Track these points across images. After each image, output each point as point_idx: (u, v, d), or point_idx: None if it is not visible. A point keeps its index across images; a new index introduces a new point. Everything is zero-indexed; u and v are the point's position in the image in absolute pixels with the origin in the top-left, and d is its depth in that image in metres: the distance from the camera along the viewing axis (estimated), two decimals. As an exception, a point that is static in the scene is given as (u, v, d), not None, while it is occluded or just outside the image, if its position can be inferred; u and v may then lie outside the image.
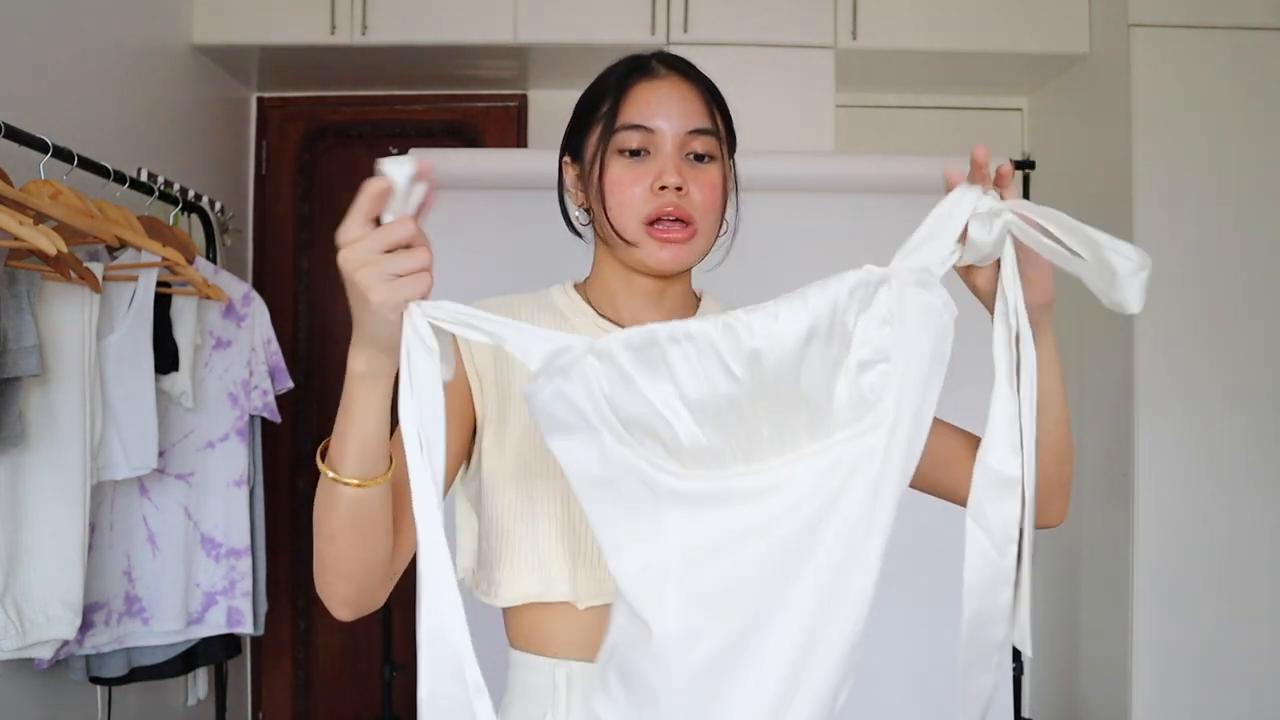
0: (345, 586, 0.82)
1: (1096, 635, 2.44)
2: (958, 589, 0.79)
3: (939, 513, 1.00)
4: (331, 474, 0.75)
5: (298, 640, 2.87)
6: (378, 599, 0.85)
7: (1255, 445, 2.28)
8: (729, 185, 0.96)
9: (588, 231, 0.98)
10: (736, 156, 1.01)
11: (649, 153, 0.91)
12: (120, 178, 1.88)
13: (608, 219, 0.91)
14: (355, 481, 0.75)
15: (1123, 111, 2.33)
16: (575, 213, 0.99)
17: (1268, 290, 2.29)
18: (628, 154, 0.91)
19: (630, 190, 0.90)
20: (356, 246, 0.67)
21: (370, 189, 0.67)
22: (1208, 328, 2.29)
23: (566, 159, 0.99)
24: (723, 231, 0.98)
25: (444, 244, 2.41)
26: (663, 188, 0.88)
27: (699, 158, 0.91)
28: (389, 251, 0.67)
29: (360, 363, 0.72)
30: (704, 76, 0.96)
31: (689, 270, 0.98)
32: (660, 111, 0.90)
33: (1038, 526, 0.87)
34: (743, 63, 2.48)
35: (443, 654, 0.72)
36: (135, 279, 1.80)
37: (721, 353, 0.68)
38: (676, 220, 0.89)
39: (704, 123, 0.91)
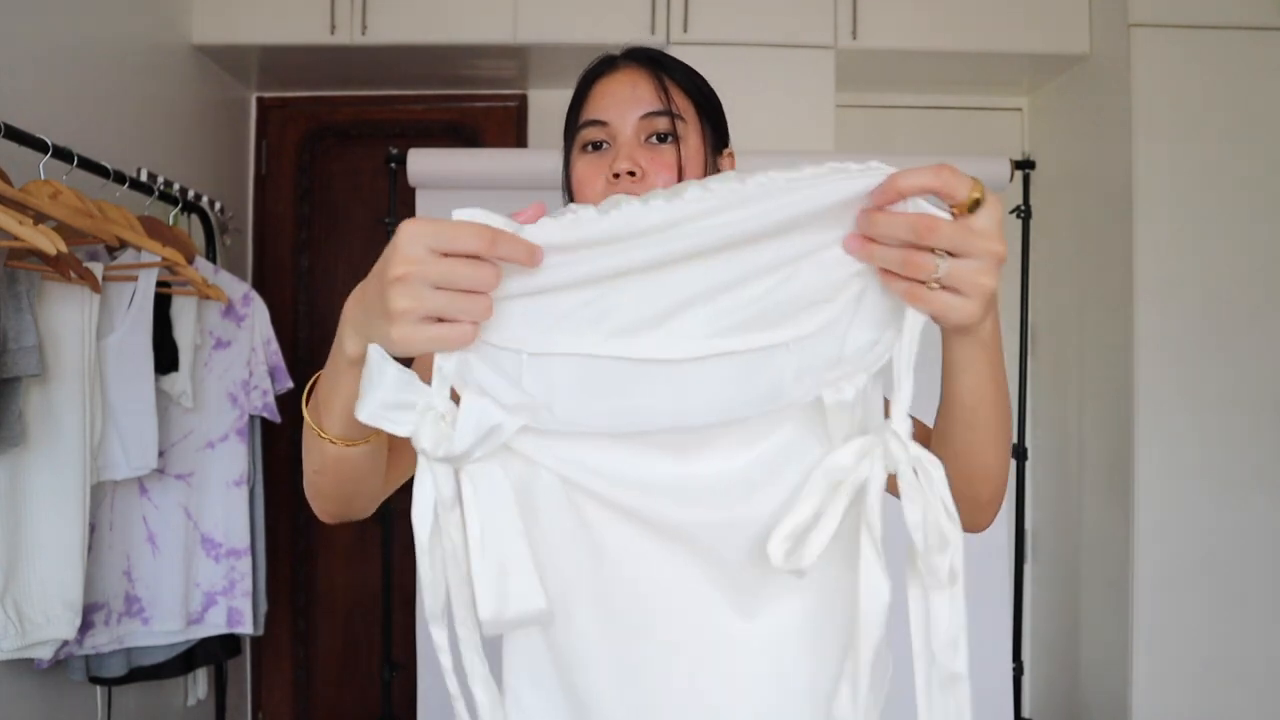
0: (332, 506, 0.80)
1: (1096, 635, 2.44)
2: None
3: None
4: (315, 428, 0.71)
5: (297, 640, 2.86)
6: (364, 514, 0.83)
7: (1255, 445, 2.28)
8: (701, 165, 0.94)
9: None
10: (739, 158, 1.00)
11: (609, 144, 0.93)
12: (120, 178, 1.88)
13: None
14: (341, 442, 0.70)
15: (1123, 111, 2.33)
16: None
17: (1268, 290, 2.29)
18: (590, 148, 0.93)
19: (592, 184, 0.92)
20: (419, 263, 0.56)
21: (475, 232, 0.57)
22: (1208, 327, 2.29)
23: (565, 165, 1.01)
24: None
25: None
26: (615, 175, 0.90)
27: (662, 138, 0.92)
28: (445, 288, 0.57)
29: (357, 348, 0.63)
30: (663, 61, 0.96)
31: None
32: (613, 103, 0.92)
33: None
34: (743, 63, 2.48)
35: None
36: (135, 279, 1.80)
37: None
38: None
39: (654, 105, 0.92)
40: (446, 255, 0.56)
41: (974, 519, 0.79)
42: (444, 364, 0.60)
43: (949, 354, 0.67)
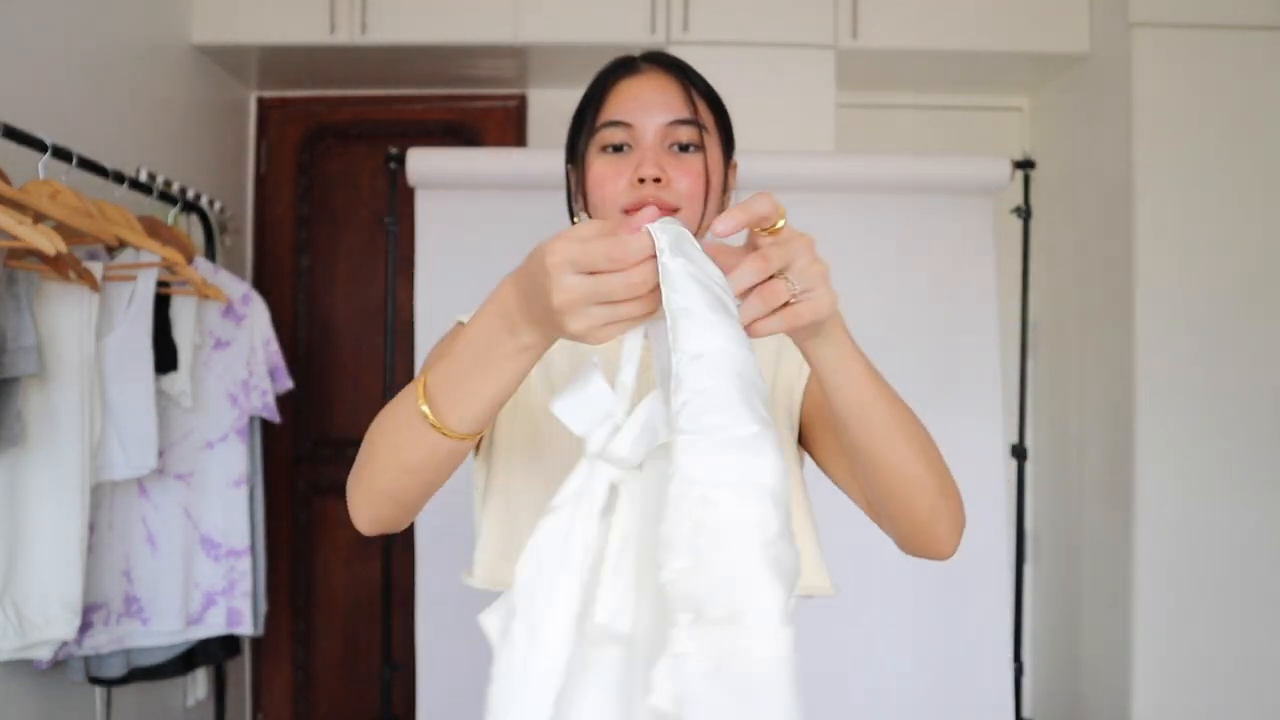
0: (393, 510, 0.79)
1: (1096, 635, 2.44)
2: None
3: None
4: (436, 424, 0.70)
5: (297, 640, 2.86)
6: (407, 523, 0.82)
7: (1255, 445, 2.28)
8: (721, 176, 0.95)
9: None
10: (737, 157, 1.00)
11: (631, 147, 0.91)
12: (120, 178, 1.88)
13: (589, 214, 0.92)
14: (461, 436, 0.70)
15: (1123, 111, 2.33)
16: (580, 218, 0.98)
17: (1268, 290, 2.29)
18: (610, 150, 0.91)
19: (613, 184, 0.90)
20: (576, 291, 0.60)
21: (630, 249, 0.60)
22: (1208, 327, 2.28)
23: (570, 166, 0.99)
24: None
25: (444, 245, 2.41)
26: (641, 180, 0.88)
27: (684, 148, 0.91)
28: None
29: (533, 337, 0.65)
30: (688, 70, 0.95)
31: None
32: (639, 106, 0.91)
33: (919, 554, 0.81)
34: (743, 63, 2.48)
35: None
36: (134, 279, 1.80)
37: None
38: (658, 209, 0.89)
39: (683, 113, 0.91)
40: (593, 273, 0.60)
41: (925, 542, 0.80)
42: (627, 374, 0.64)
43: (817, 367, 0.71)
